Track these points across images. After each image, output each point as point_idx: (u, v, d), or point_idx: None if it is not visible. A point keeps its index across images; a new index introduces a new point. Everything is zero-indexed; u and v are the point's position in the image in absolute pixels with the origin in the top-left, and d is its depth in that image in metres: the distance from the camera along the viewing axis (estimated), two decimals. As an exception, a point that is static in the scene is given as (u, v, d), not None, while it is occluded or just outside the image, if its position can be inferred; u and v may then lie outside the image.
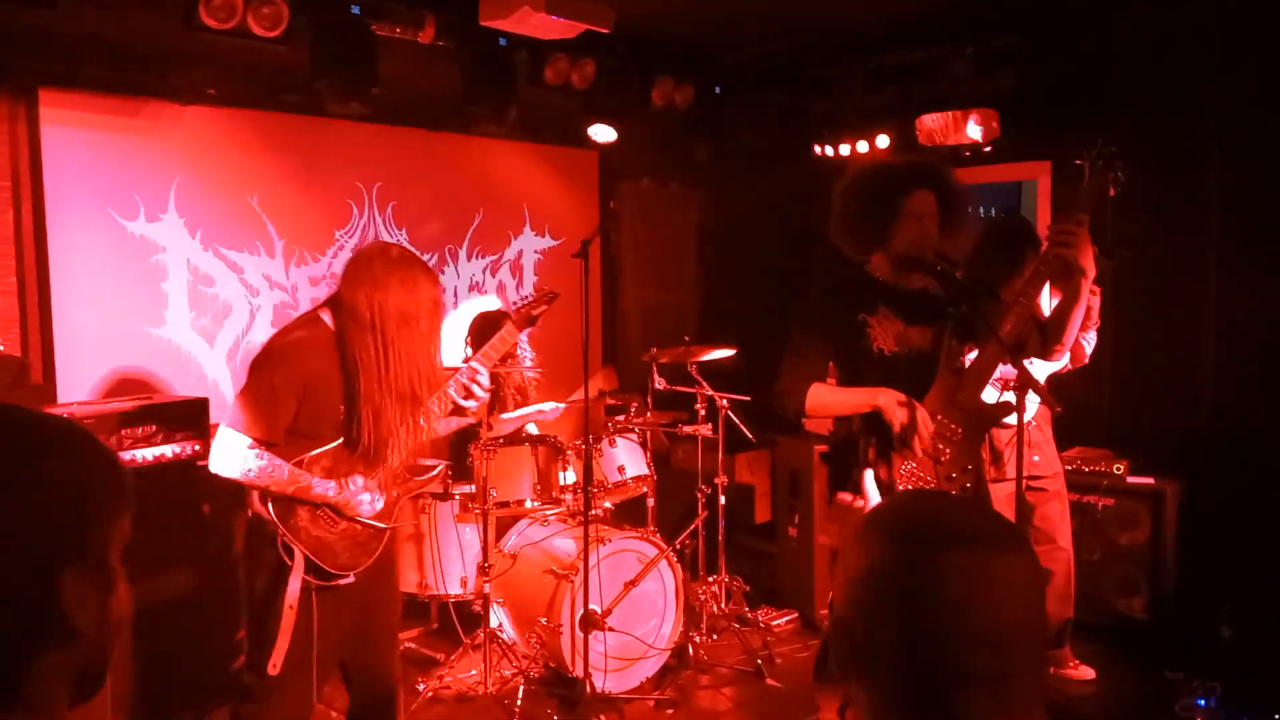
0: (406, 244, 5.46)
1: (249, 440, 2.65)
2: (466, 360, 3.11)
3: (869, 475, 2.85)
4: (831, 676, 1.13)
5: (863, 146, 5.96)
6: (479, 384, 2.99)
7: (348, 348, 2.70)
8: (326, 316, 2.78)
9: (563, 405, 4.48)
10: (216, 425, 3.78)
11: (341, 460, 2.78)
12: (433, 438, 3.01)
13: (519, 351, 4.80)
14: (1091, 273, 2.95)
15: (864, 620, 1.05)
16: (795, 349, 3.06)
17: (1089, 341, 4.11)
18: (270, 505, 2.70)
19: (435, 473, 3.11)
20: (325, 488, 2.74)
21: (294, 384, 2.68)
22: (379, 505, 2.86)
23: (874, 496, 2.83)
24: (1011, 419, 2.86)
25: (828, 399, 3.01)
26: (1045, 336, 3.06)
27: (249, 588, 2.80)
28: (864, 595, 1.06)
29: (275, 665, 2.67)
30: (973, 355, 3.02)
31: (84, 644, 1.03)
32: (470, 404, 3.01)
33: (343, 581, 2.78)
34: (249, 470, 2.65)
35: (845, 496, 2.92)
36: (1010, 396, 2.78)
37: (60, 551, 1.02)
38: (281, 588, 2.69)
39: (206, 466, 3.81)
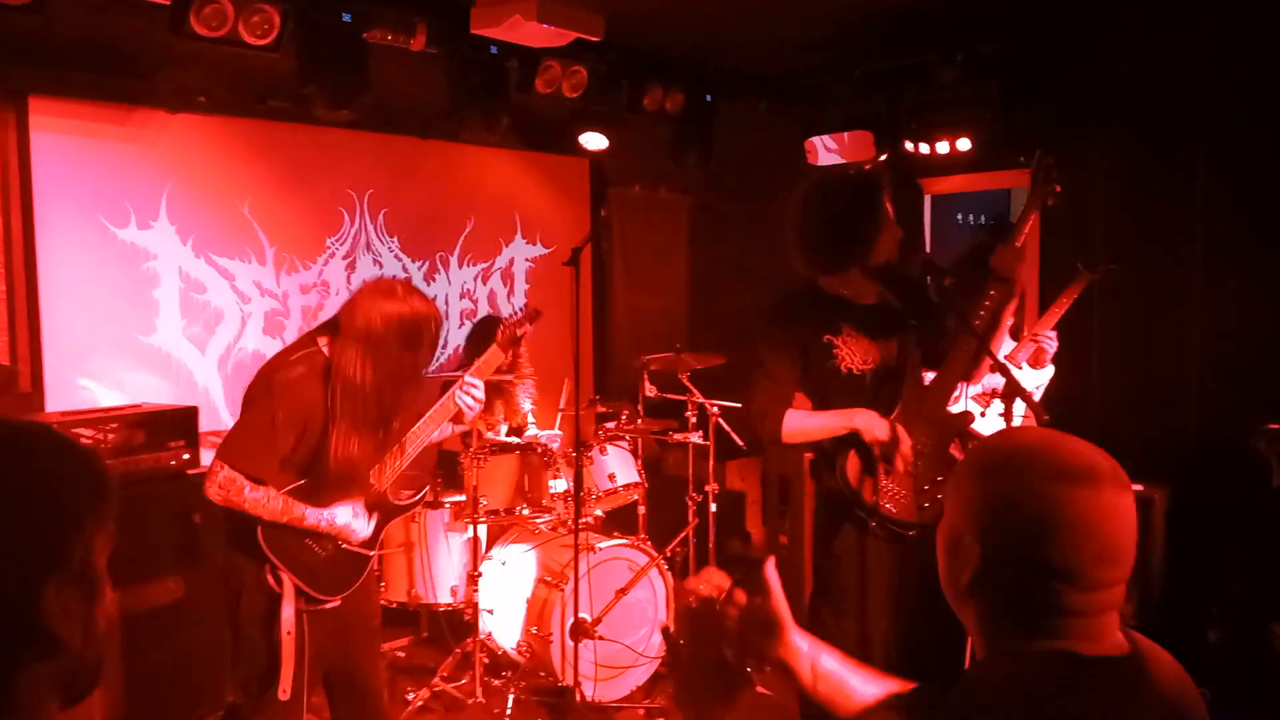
0: (398, 251, 5.48)
1: (242, 474, 2.64)
2: (464, 372, 3.11)
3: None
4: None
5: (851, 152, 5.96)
6: (473, 397, 3.03)
7: (339, 370, 2.68)
8: (324, 344, 2.75)
9: (559, 434, 4.53)
10: (207, 434, 3.79)
11: (328, 488, 2.78)
12: (425, 451, 3.04)
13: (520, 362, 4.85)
14: (1021, 283, 3.07)
15: (1003, 539, 1.25)
16: (763, 374, 3.01)
17: (1043, 376, 4.06)
18: (261, 532, 2.68)
19: (419, 497, 3.13)
20: (318, 518, 2.75)
21: (295, 420, 2.68)
22: (368, 531, 2.89)
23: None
24: (979, 425, 2.87)
25: (803, 425, 2.96)
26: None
27: (234, 609, 2.77)
28: (1004, 519, 1.25)
29: (285, 691, 2.67)
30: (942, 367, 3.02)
31: (70, 654, 1.03)
32: (467, 414, 3.06)
33: (329, 605, 2.81)
34: (244, 502, 2.64)
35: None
36: (974, 405, 2.79)
37: (40, 563, 1.00)
38: (274, 615, 2.69)
39: (197, 475, 3.86)
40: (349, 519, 2.82)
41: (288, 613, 2.68)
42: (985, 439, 1.46)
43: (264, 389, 2.71)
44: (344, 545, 2.83)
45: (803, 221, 2.99)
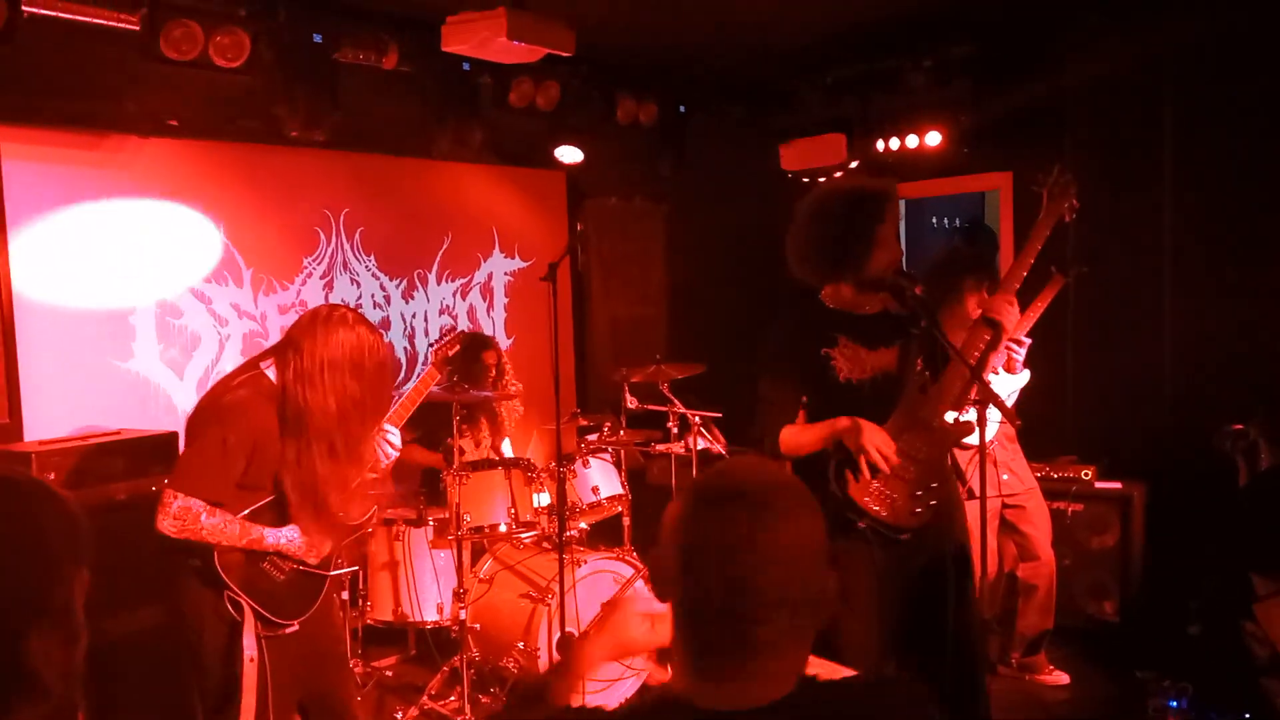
0: (375, 270, 5.47)
1: (199, 501, 2.61)
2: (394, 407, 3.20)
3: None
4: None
5: (824, 156, 5.98)
6: (390, 444, 3.07)
7: (289, 398, 2.71)
8: (270, 369, 2.77)
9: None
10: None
11: (282, 510, 2.78)
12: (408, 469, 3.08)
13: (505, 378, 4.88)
14: (1009, 330, 3.09)
15: (670, 556, 1.27)
16: (764, 399, 3.06)
17: (1017, 381, 4.13)
18: (217, 558, 2.67)
19: (368, 516, 3.06)
20: (277, 537, 2.75)
21: (245, 442, 2.67)
22: (325, 550, 2.89)
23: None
24: (972, 439, 2.89)
25: (797, 440, 3.01)
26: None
27: (196, 646, 2.73)
28: (669, 537, 1.28)
29: None
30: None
31: (52, 697, 1.04)
32: (382, 462, 3.06)
33: (288, 630, 2.80)
34: (201, 530, 2.61)
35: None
36: (972, 415, 2.81)
37: (26, 608, 1.02)
38: (235, 645, 2.68)
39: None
40: (302, 538, 2.81)
41: (248, 641, 2.66)
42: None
43: (212, 414, 2.70)
44: (300, 567, 2.83)
45: (800, 232, 3.05)
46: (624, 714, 1.27)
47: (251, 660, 2.67)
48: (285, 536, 2.77)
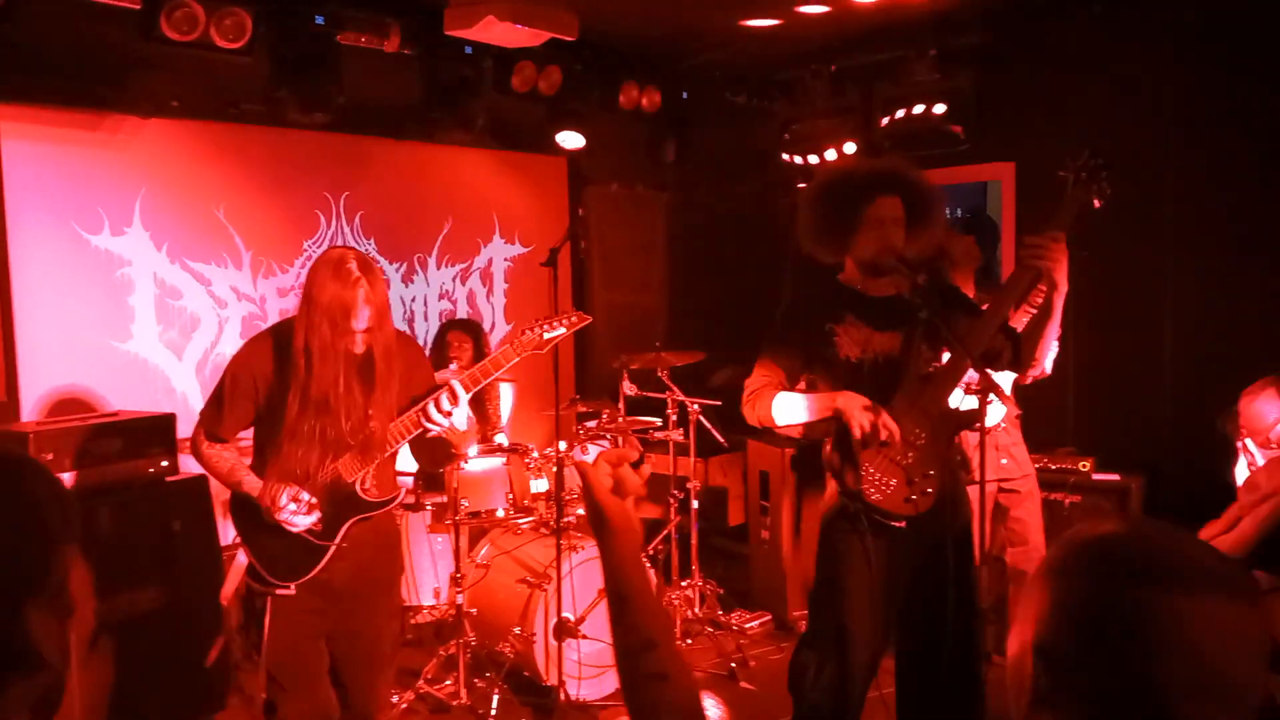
0: (375, 253, 5.46)
1: (202, 430, 2.84)
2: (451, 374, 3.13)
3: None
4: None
5: (828, 150, 5.99)
6: (439, 409, 2.81)
7: (290, 352, 2.71)
8: (282, 327, 2.86)
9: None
10: (185, 441, 3.79)
11: (290, 468, 2.76)
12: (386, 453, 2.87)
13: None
14: (1064, 288, 2.91)
15: (1068, 653, 1.00)
16: (764, 360, 3.08)
17: (1050, 352, 4.12)
18: (231, 501, 2.84)
19: (391, 499, 2.93)
20: (254, 486, 2.77)
21: (246, 387, 2.78)
22: (304, 518, 2.77)
23: None
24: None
25: (790, 406, 3.01)
26: (1019, 351, 3.04)
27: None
28: (1071, 628, 1.00)
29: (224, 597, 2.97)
30: (947, 359, 3.03)
31: (48, 671, 1.05)
32: (434, 428, 2.85)
33: (280, 592, 2.79)
34: (200, 457, 2.83)
35: None
36: (974, 401, 2.78)
37: (22, 584, 1.04)
38: (249, 589, 2.85)
39: (176, 482, 3.85)
40: (285, 501, 2.74)
41: (229, 585, 2.96)
42: (1067, 536, 1.10)
43: (232, 357, 2.88)
44: (293, 530, 2.77)
45: (802, 213, 3.11)
46: None
47: (225, 600, 2.91)
48: (260, 488, 2.75)
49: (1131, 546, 1.01)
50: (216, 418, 2.82)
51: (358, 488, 2.84)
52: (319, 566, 2.82)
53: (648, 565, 4.40)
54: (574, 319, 3.00)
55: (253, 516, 2.78)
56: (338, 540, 2.82)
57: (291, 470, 2.75)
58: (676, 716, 1.23)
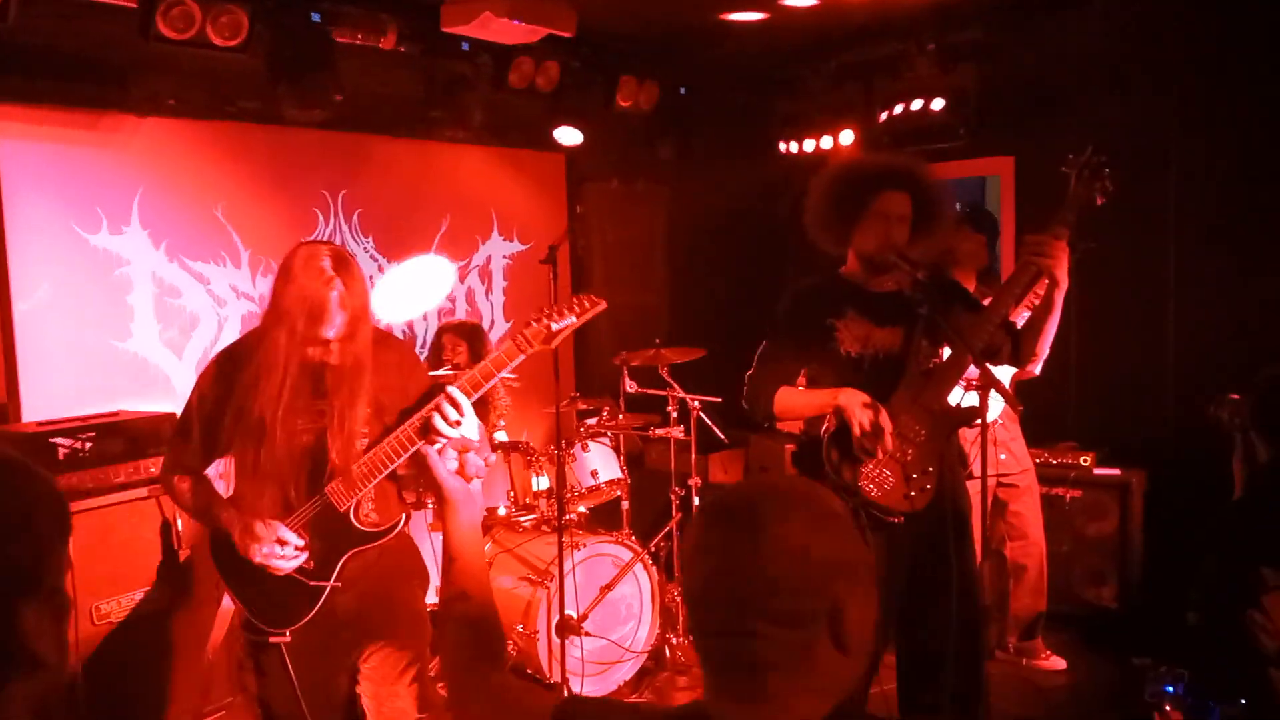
0: (373, 252, 5.44)
1: (170, 462, 2.52)
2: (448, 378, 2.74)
3: None
4: None
5: (826, 142, 5.98)
6: (448, 419, 2.40)
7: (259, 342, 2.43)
8: (249, 340, 2.57)
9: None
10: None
11: (254, 504, 2.44)
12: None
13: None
14: (1064, 285, 2.92)
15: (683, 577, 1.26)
16: (765, 355, 3.09)
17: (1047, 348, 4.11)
18: (211, 543, 2.50)
19: (392, 527, 2.59)
20: (231, 521, 2.43)
21: (212, 408, 2.47)
22: (290, 561, 2.44)
23: None
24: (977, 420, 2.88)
25: (792, 401, 3.03)
26: (1019, 346, 3.06)
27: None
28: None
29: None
30: (947, 355, 3.04)
31: (46, 672, 1.05)
32: (441, 440, 2.40)
33: (274, 639, 2.47)
34: (171, 492, 2.50)
35: None
36: (975, 398, 2.79)
37: (20, 583, 1.04)
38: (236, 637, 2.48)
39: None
40: (263, 536, 2.41)
41: (215, 633, 2.52)
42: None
43: (198, 378, 2.58)
44: (294, 573, 2.47)
45: (811, 201, 3.12)
46: (661, 712, 1.23)
47: (209, 653, 2.49)
48: (236, 523, 2.43)
49: (712, 495, 1.35)
50: (184, 447, 2.51)
51: (352, 517, 2.51)
52: (315, 609, 2.49)
53: (651, 564, 4.40)
54: (586, 305, 2.61)
55: (235, 557, 2.44)
56: (333, 580, 2.50)
57: (263, 506, 2.41)
58: (470, 627, 1.53)
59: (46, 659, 1.05)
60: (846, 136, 5.90)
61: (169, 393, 4.63)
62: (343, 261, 2.45)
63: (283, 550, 2.42)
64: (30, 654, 1.04)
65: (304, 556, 2.45)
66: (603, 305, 2.64)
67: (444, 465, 1.52)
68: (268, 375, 2.37)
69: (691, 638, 1.09)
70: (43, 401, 4.21)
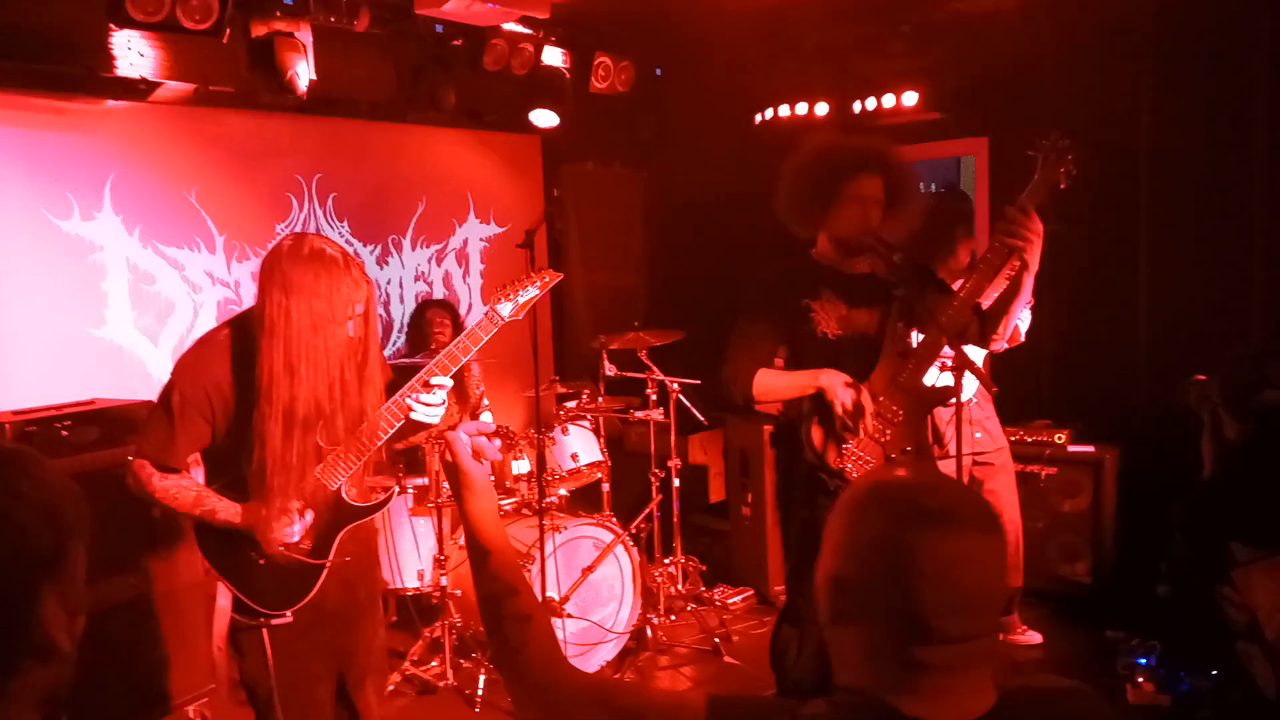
0: (349, 236, 5.41)
1: (148, 461, 2.46)
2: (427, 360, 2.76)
3: None
4: None
5: (802, 108, 5.96)
6: (421, 402, 2.56)
7: (258, 360, 2.41)
8: (232, 329, 2.54)
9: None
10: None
11: (255, 483, 2.46)
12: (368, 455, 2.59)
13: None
14: (1034, 267, 2.93)
15: (856, 580, 1.20)
16: (741, 335, 3.10)
17: (1024, 320, 4.18)
18: (194, 529, 2.50)
19: (385, 499, 2.69)
20: (231, 511, 2.46)
21: (199, 402, 2.44)
22: (294, 534, 2.51)
23: None
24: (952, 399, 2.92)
25: (772, 383, 3.04)
26: (984, 326, 3.10)
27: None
28: (858, 560, 1.20)
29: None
30: (919, 338, 3.06)
31: (59, 662, 1.08)
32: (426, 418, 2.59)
33: (277, 622, 2.50)
34: (154, 491, 2.45)
35: None
36: (950, 379, 2.82)
37: (39, 572, 1.07)
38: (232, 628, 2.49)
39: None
40: (290, 523, 2.49)
41: (219, 626, 2.48)
42: (858, 480, 1.42)
43: (170, 375, 2.52)
44: (291, 554, 2.50)
45: (783, 182, 3.11)
46: (824, 713, 1.19)
47: (220, 650, 2.49)
48: (239, 511, 2.46)
49: (909, 491, 1.22)
50: (167, 444, 2.45)
51: (344, 494, 2.57)
52: (316, 587, 2.54)
53: (631, 545, 4.43)
54: (546, 277, 2.69)
55: (226, 545, 2.47)
56: (331, 556, 2.56)
57: (289, 496, 2.46)
58: (540, 650, 1.44)
59: (59, 650, 1.08)
60: (821, 108, 5.89)
61: (145, 380, 4.60)
62: (355, 260, 2.53)
63: (294, 527, 2.50)
64: (46, 644, 1.06)
65: (304, 524, 2.52)
66: (560, 276, 2.76)
67: (466, 450, 1.49)
68: (313, 369, 2.41)
69: (919, 651, 1.15)
70: (17, 390, 4.17)
